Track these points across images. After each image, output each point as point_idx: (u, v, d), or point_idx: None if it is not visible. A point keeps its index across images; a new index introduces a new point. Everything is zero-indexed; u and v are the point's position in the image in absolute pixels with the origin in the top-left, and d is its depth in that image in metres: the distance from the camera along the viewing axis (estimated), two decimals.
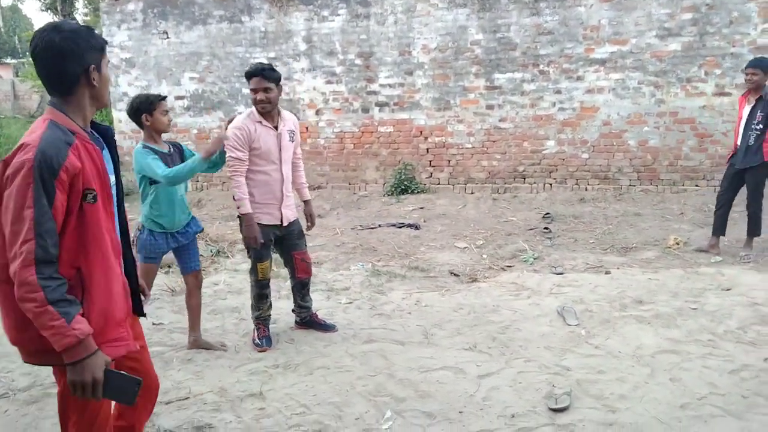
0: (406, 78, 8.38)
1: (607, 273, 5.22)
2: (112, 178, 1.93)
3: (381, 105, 8.54)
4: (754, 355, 3.61)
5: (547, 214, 7.34)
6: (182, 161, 3.60)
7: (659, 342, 3.82)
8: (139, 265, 3.53)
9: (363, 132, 8.74)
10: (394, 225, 7.14)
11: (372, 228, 7.13)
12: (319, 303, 4.70)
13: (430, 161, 8.64)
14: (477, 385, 3.33)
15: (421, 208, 7.95)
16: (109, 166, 1.92)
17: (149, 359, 2.23)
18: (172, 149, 3.66)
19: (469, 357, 3.68)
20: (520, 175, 8.39)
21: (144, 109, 3.53)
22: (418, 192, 8.53)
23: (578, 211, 7.52)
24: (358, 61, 8.55)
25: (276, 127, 3.76)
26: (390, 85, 8.43)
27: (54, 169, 1.66)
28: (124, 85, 9.48)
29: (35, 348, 1.79)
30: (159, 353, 3.84)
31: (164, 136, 3.69)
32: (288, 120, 3.86)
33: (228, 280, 5.28)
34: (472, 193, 8.57)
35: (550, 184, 8.33)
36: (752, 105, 5.33)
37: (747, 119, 5.34)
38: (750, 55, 7.36)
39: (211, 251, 6.05)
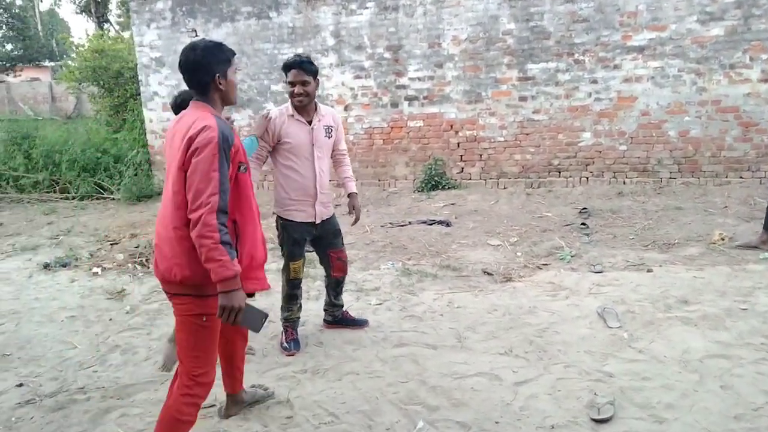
0: (435, 71, 8.19)
1: (649, 271, 4.98)
2: None
3: (410, 99, 8.38)
4: None
5: (584, 209, 7.09)
6: None
7: (707, 345, 3.60)
8: None
9: (392, 127, 8.60)
10: (424, 222, 6.98)
11: (402, 225, 6.99)
12: (349, 304, 4.58)
13: (461, 156, 8.45)
14: (514, 393, 3.17)
15: (452, 204, 7.77)
16: None
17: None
18: None
19: (505, 362, 3.53)
20: (555, 168, 8.14)
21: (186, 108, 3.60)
22: (448, 188, 8.36)
23: (616, 205, 7.25)
24: (387, 55, 8.40)
25: (310, 122, 3.65)
26: (419, 79, 8.26)
27: (228, 145, 2.27)
28: (154, 85, 9.52)
29: (194, 282, 2.31)
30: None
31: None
32: (326, 115, 3.75)
33: None
34: (504, 188, 8.36)
35: (587, 178, 8.06)
36: None
37: None
38: None
39: None
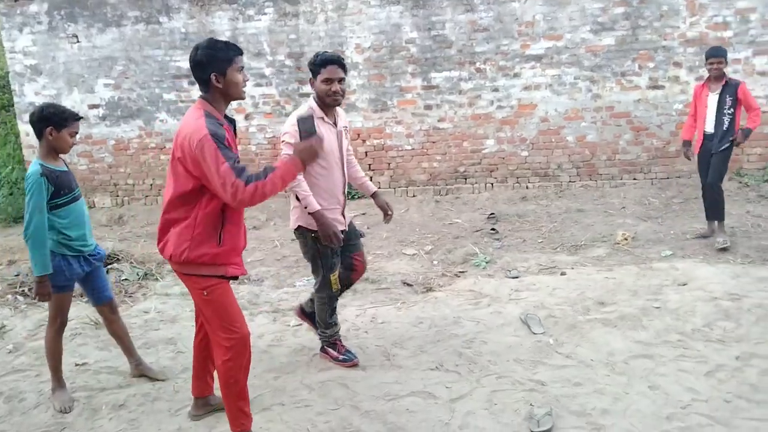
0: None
1: (563, 274, 5.06)
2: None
3: None
4: (725, 354, 3.50)
5: (492, 214, 7.18)
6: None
7: (630, 346, 3.66)
8: (53, 298, 3.12)
9: None
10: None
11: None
12: (265, 327, 4.30)
13: (369, 165, 8.31)
14: (450, 411, 3.04)
15: (363, 213, 7.61)
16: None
17: None
18: (67, 168, 3.30)
19: (437, 378, 3.39)
20: (462, 175, 8.21)
21: (54, 122, 3.08)
22: (358, 197, 8.19)
23: (521, 209, 7.40)
24: (288, 62, 8.12)
25: (335, 124, 3.39)
26: None
27: (220, 138, 2.43)
28: (30, 95, 8.62)
29: (198, 262, 2.60)
30: (85, 399, 3.34)
31: (65, 157, 3.38)
32: (341, 115, 3.50)
33: (159, 307, 4.76)
34: (414, 196, 8.32)
35: (492, 184, 8.20)
36: (718, 92, 5.38)
37: (718, 106, 5.40)
38: (681, 48, 7.49)
39: (138, 274, 5.47)
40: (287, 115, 8.17)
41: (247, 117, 8.37)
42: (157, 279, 5.47)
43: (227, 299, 2.69)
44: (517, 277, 5.05)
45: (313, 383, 3.41)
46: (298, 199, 3.28)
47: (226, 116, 2.65)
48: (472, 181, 8.23)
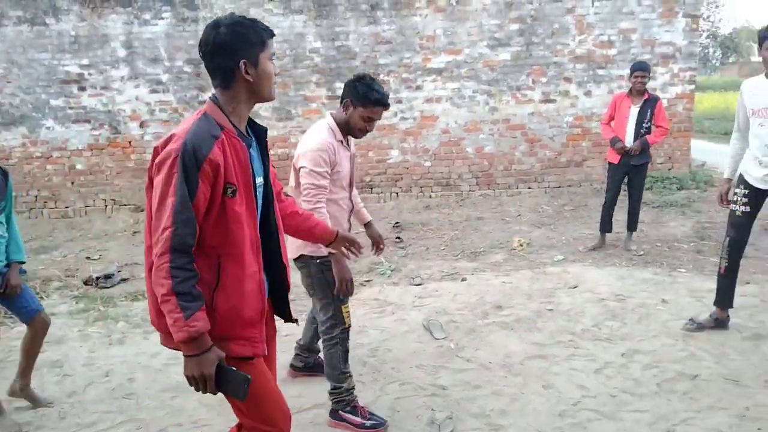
0: None
1: (463, 280, 5.22)
2: (259, 179, 1.95)
3: None
4: (612, 352, 3.73)
5: (397, 223, 7.29)
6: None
7: (525, 347, 3.82)
8: None
9: None
10: None
11: None
12: (156, 345, 4.10)
13: (275, 174, 8.18)
14: None
15: None
16: (257, 165, 1.95)
17: (271, 370, 2.12)
18: None
19: None
20: (368, 185, 8.28)
21: None
22: None
23: (425, 218, 7.57)
24: (187, 69, 7.86)
25: (349, 146, 3.05)
26: None
27: (198, 160, 1.70)
28: None
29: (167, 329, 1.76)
30: None
31: None
32: (351, 138, 3.11)
33: None
34: None
35: (397, 193, 8.32)
36: (639, 105, 5.55)
37: (638, 119, 5.56)
38: (570, 65, 7.96)
39: None
40: None
41: (142, 125, 8.01)
42: (42, 297, 5.09)
43: (255, 386, 1.85)
44: (420, 284, 5.15)
45: (212, 402, 3.28)
46: None
47: (252, 122, 1.97)
48: (378, 190, 8.31)
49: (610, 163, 5.85)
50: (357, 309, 4.58)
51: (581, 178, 8.33)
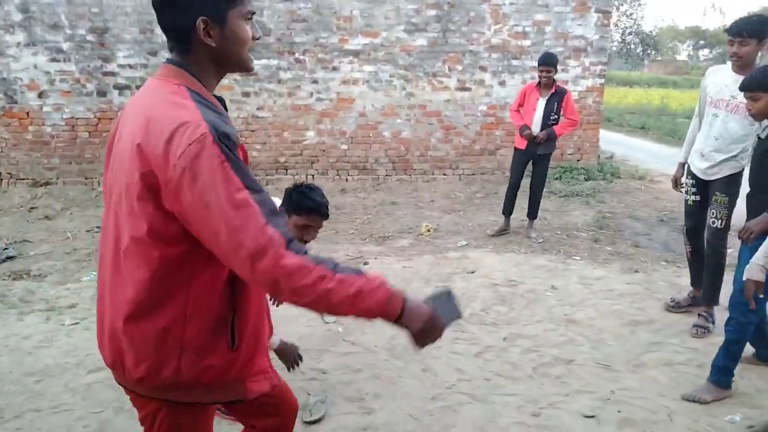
0: (149, 59, 7.50)
1: (365, 264, 5.19)
2: None
3: (121, 88, 7.54)
4: (495, 336, 3.80)
5: None
6: None
7: None
8: None
9: (100, 119, 7.65)
10: None
11: None
12: (35, 327, 3.87)
13: None
14: None
15: None
16: None
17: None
18: None
19: None
20: (282, 166, 8.12)
21: None
22: None
23: (340, 201, 7.50)
24: (90, 38, 7.41)
25: None
26: (131, 66, 7.48)
27: (234, 142, 1.29)
28: None
29: (200, 382, 1.42)
30: None
31: None
32: None
33: None
34: None
35: (313, 175, 8.21)
36: (546, 98, 5.61)
37: (545, 112, 5.61)
38: (486, 54, 8.04)
39: None
40: (88, 95, 7.52)
41: (41, 95, 7.52)
42: None
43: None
44: None
45: (78, 386, 3.13)
46: None
47: (216, 97, 1.49)
48: (293, 172, 8.17)
49: (516, 149, 5.93)
50: None
51: (494, 166, 8.47)
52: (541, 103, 5.67)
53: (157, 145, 1.27)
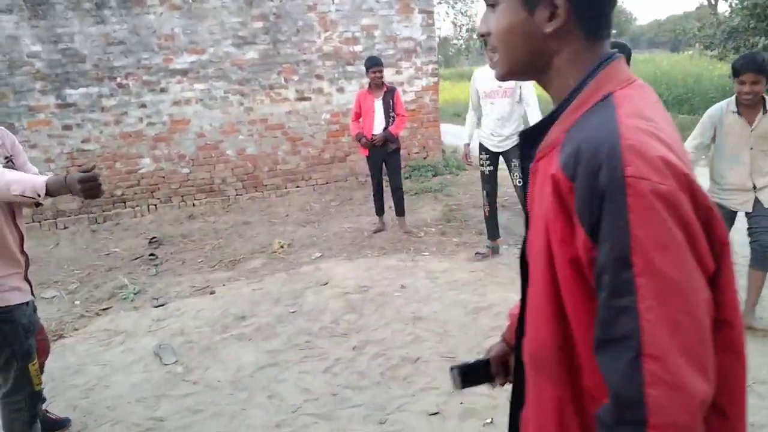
0: None
1: (212, 293, 4.94)
2: None
3: None
4: (344, 346, 3.74)
5: (154, 238, 6.75)
6: None
7: (259, 358, 3.68)
8: None
9: None
10: None
11: None
12: None
13: None
14: None
15: None
16: None
17: None
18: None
19: None
20: (120, 199, 7.57)
21: None
22: None
23: (188, 229, 7.13)
24: None
25: None
26: None
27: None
28: None
29: None
30: None
31: None
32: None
33: None
34: (64, 227, 7.38)
35: (155, 205, 7.73)
36: (381, 98, 5.83)
37: (384, 110, 5.83)
38: (320, 62, 8.03)
39: None
40: None
41: None
42: None
43: None
44: (163, 305, 4.76)
45: None
46: None
47: None
48: (132, 204, 7.65)
49: (367, 156, 6.11)
50: (80, 344, 4.08)
51: (346, 172, 8.49)
52: (378, 104, 5.87)
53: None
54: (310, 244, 6.17)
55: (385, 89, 5.88)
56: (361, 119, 6.00)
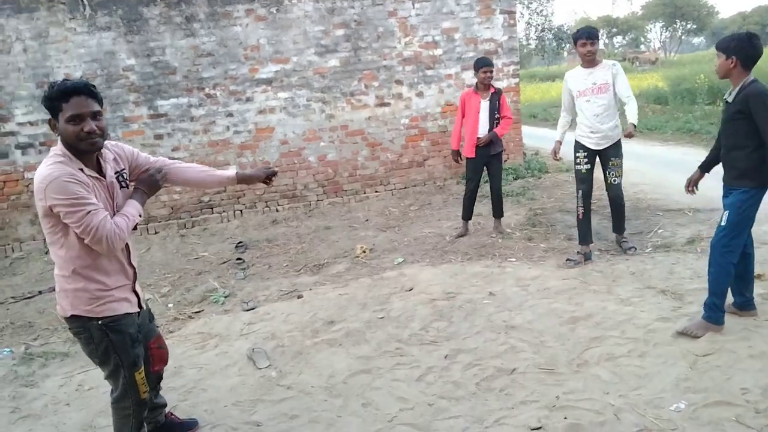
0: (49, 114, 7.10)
1: (299, 297, 4.99)
2: None
3: (24, 147, 7.12)
4: (436, 355, 3.67)
5: (240, 242, 6.93)
6: None
7: (350, 364, 3.66)
8: None
9: (5, 181, 7.19)
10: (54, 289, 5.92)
11: (30, 297, 5.83)
12: None
13: None
14: None
15: None
16: None
17: None
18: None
19: None
20: (207, 205, 7.83)
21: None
22: None
23: (272, 234, 7.27)
24: None
25: (102, 173, 2.45)
26: (31, 123, 7.08)
27: None
28: None
29: None
30: None
31: None
32: (109, 156, 2.52)
33: None
34: (156, 232, 7.71)
35: (240, 211, 7.95)
36: (488, 99, 5.84)
37: (490, 111, 5.83)
38: (400, 67, 8.02)
39: None
40: None
41: None
42: None
43: None
44: (253, 309, 4.85)
45: None
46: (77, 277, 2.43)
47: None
48: (219, 210, 7.89)
49: (468, 158, 6.09)
50: (175, 348, 4.19)
51: (424, 177, 8.44)
52: (485, 104, 5.88)
53: None
54: (391, 249, 6.13)
55: (492, 90, 5.88)
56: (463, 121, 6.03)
